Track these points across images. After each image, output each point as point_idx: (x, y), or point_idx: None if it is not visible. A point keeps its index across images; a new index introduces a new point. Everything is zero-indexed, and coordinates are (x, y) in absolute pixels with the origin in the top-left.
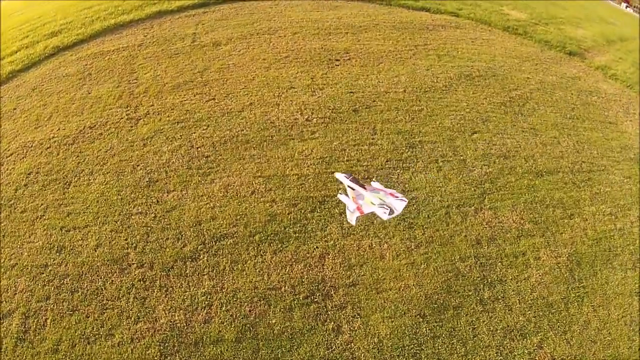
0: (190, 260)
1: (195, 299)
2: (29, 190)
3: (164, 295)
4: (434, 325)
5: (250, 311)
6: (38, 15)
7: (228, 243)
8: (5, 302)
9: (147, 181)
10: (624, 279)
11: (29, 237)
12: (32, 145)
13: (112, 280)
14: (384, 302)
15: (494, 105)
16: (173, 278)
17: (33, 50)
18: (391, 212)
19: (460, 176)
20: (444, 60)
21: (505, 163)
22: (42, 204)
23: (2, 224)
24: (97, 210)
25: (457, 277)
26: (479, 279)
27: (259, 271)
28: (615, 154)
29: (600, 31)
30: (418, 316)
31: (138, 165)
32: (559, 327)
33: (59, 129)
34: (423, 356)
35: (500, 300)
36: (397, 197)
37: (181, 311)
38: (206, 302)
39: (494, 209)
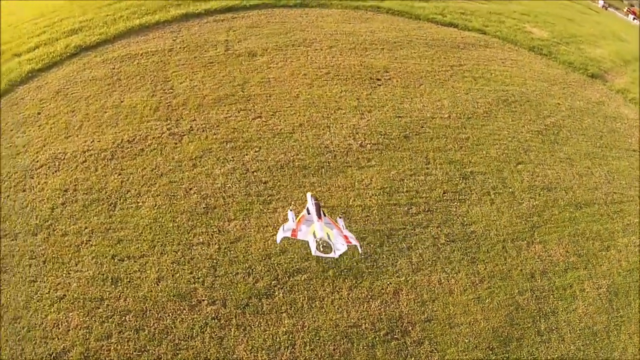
0: (265, 297)
1: (276, 338)
2: (68, 211)
3: (242, 335)
4: (501, 357)
5: (334, 350)
6: (52, 9)
7: (302, 278)
8: (58, 338)
9: (204, 207)
10: None
11: (76, 265)
12: (64, 158)
13: (182, 318)
14: (457, 336)
15: (532, 133)
16: (250, 316)
17: (53, 48)
18: (326, 250)
19: (512, 209)
20: (480, 83)
21: (549, 195)
22: (86, 228)
23: (41, 248)
24: (152, 238)
25: (517, 310)
26: (536, 311)
27: (338, 308)
28: None
29: (616, 50)
30: (487, 349)
31: (191, 189)
32: (602, 354)
33: (93, 140)
34: None
35: (554, 331)
36: (350, 242)
37: (263, 351)
38: (289, 342)
39: (543, 242)
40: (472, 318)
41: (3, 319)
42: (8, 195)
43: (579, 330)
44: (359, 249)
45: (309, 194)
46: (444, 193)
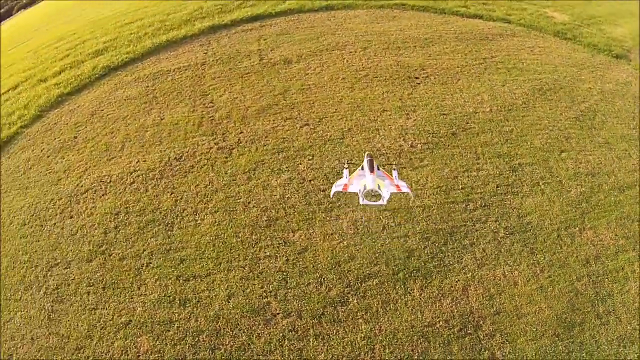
0: (339, 304)
1: (355, 344)
2: (123, 234)
3: (321, 345)
4: (567, 343)
5: (412, 350)
6: (72, 32)
7: (374, 283)
8: None
9: (265, 220)
10: None
11: (139, 288)
12: (110, 180)
13: (259, 334)
14: (525, 326)
15: (570, 121)
16: (327, 325)
17: (80, 70)
18: (374, 199)
19: (561, 198)
20: (514, 74)
21: (593, 181)
22: (144, 250)
23: (98, 274)
24: (217, 256)
25: (577, 295)
26: (594, 295)
27: (412, 309)
28: None
29: (634, 28)
30: (554, 335)
31: (249, 202)
32: None
33: (138, 160)
34: None
35: (612, 313)
36: (401, 190)
37: (344, 358)
38: (368, 347)
39: (593, 227)
40: (537, 307)
41: (65, 350)
42: (54, 223)
43: (634, 310)
44: (412, 195)
45: (366, 154)
46: (497, 187)
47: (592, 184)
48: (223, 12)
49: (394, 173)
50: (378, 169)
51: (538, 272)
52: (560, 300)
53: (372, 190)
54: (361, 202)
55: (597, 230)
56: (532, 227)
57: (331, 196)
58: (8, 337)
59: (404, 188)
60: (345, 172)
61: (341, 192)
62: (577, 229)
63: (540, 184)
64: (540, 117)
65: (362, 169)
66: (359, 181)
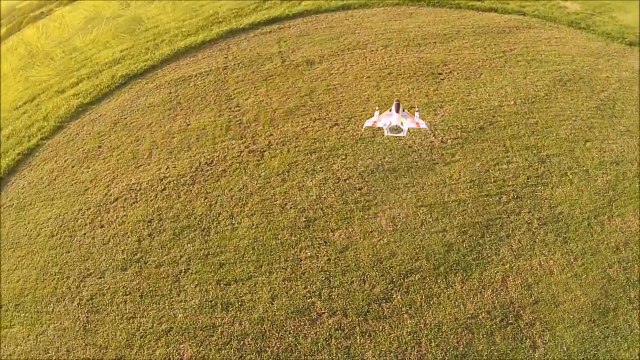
0: (384, 301)
1: (402, 339)
2: (158, 241)
3: (368, 341)
4: (603, 328)
5: (457, 342)
6: (86, 43)
7: (416, 278)
8: None
9: (304, 221)
10: None
11: (178, 295)
12: (140, 188)
13: (305, 334)
14: (563, 313)
15: (591, 110)
16: (372, 322)
17: (98, 80)
18: (396, 132)
19: (589, 187)
20: (533, 66)
21: (618, 169)
22: (181, 256)
23: (134, 282)
24: (257, 258)
25: (610, 282)
26: (625, 281)
27: (454, 302)
28: None
29: None
30: (590, 322)
31: (286, 204)
32: None
33: (167, 167)
34: (600, 355)
35: None
36: (419, 126)
37: (391, 354)
38: (414, 341)
39: (621, 215)
40: (572, 295)
41: None
42: (84, 233)
43: None
44: (429, 130)
45: (395, 99)
46: (528, 178)
47: (617, 172)
48: (239, 15)
49: (416, 114)
50: (403, 111)
51: (572, 260)
52: (594, 287)
53: (395, 126)
54: (385, 134)
55: (625, 217)
56: (563, 216)
57: (362, 129)
58: (42, 350)
59: (422, 125)
60: (377, 112)
61: (370, 126)
62: (606, 216)
63: (568, 174)
64: (563, 108)
65: (390, 110)
66: (386, 119)
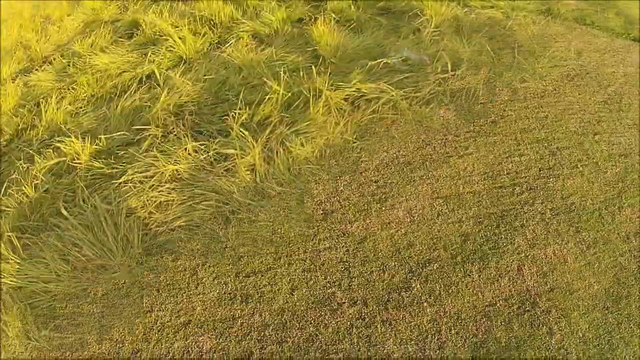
0: (403, 290)
1: (422, 327)
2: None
3: (389, 330)
4: (616, 315)
5: (477, 330)
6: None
7: (435, 267)
8: None
9: (321, 213)
10: None
11: (196, 288)
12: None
13: (326, 324)
14: (577, 300)
15: (599, 104)
16: (393, 310)
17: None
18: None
19: (599, 179)
20: (541, 62)
21: (626, 162)
22: (199, 250)
23: (150, 277)
24: (275, 250)
25: (622, 270)
26: (636, 269)
27: (472, 290)
28: None
29: None
30: (603, 308)
31: (302, 197)
32: None
33: None
34: (614, 341)
35: None
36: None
37: (412, 342)
38: (435, 329)
39: (631, 206)
40: (586, 282)
41: (120, 354)
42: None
43: None
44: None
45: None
46: (540, 170)
47: (626, 164)
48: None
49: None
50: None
51: (585, 249)
52: (607, 274)
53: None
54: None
55: (635, 207)
56: (575, 207)
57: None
58: (56, 345)
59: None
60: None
61: None
62: (616, 207)
63: (579, 166)
64: (572, 102)
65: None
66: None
